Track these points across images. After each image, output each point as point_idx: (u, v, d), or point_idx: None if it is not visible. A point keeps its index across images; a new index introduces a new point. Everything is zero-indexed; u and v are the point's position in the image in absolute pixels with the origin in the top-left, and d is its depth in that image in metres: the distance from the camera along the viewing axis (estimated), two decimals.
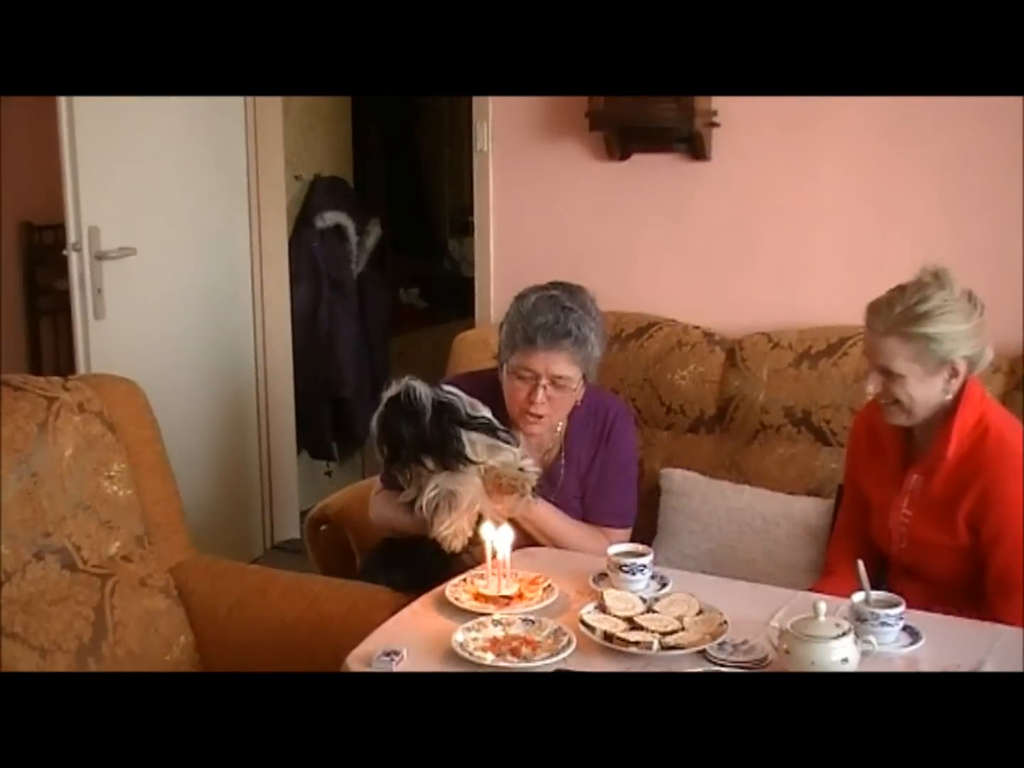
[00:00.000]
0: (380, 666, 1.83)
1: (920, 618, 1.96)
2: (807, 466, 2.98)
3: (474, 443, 2.29)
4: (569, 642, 1.88)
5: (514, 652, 1.86)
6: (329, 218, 4.50)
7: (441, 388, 2.37)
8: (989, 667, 1.80)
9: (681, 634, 1.90)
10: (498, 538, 2.13)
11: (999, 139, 2.95)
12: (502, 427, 2.36)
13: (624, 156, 3.42)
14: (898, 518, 2.28)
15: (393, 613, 2.07)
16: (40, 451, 2.25)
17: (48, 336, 4.74)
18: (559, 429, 2.58)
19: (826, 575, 2.44)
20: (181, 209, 3.81)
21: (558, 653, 1.85)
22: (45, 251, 4.54)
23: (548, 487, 2.49)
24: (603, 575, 2.16)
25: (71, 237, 3.37)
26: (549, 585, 2.10)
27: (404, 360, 5.15)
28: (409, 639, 1.93)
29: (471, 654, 1.84)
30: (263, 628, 2.38)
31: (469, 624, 1.94)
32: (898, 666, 1.84)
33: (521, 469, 2.32)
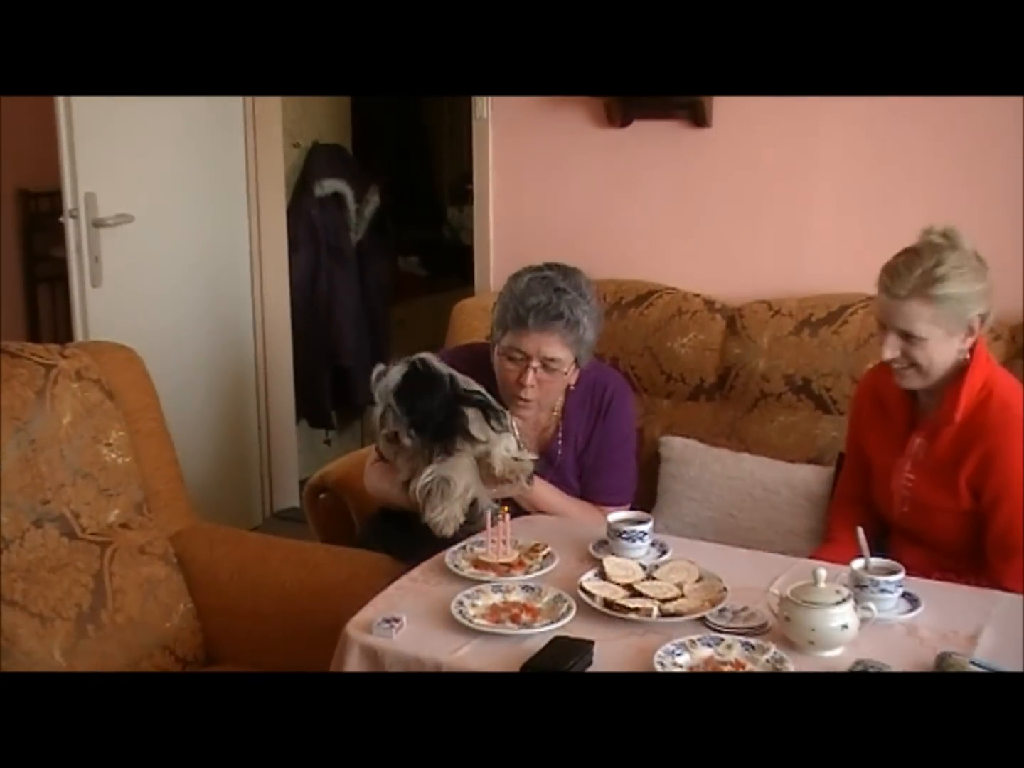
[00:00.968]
0: (380, 632, 1.83)
1: (919, 585, 1.97)
2: (807, 434, 2.97)
3: (474, 422, 2.26)
4: (569, 609, 1.88)
5: (514, 619, 1.87)
6: (328, 186, 4.48)
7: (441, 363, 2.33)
8: (987, 633, 1.81)
9: (681, 601, 1.91)
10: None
11: (1001, 104, 2.93)
12: (499, 407, 2.31)
13: (625, 123, 3.39)
14: (901, 481, 2.28)
15: (393, 580, 2.07)
16: (38, 418, 2.24)
17: (46, 303, 4.73)
18: (556, 407, 2.56)
19: (826, 542, 2.44)
20: (179, 176, 3.79)
21: (558, 620, 1.85)
22: (42, 218, 4.52)
23: (545, 465, 2.48)
24: (603, 542, 2.16)
25: (68, 204, 3.35)
26: (549, 552, 2.10)
27: (404, 328, 5.14)
28: (409, 606, 1.94)
29: (471, 621, 1.85)
30: (263, 595, 2.39)
31: (469, 591, 1.95)
32: (897, 632, 1.84)
33: (517, 459, 2.29)
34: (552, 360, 2.39)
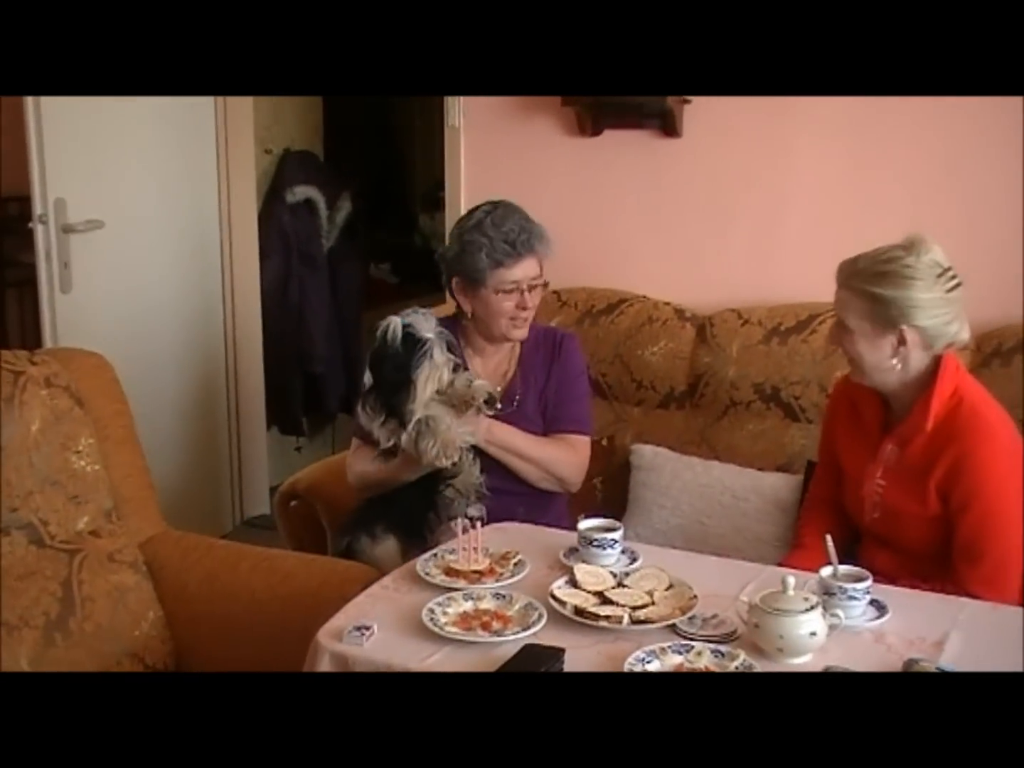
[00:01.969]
0: (351, 640, 1.83)
1: (887, 592, 1.98)
2: (776, 442, 3.00)
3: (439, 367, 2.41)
4: (540, 616, 1.88)
5: (485, 626, 1.87)
6: (299, 192, 4.47)
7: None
8: (954, 639, 1.83)
9: (651, 608, 1.91)
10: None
11: (974, 116, 2.97)
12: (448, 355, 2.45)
13: (596, 132, 3.41)
14: (872, 487, 2.31)
15: (364, 587, 2.08)
16: (6, 425, 2.22)
17: (14, 309, 4.70)
18: (514, 353, 2.72)
19: (795, 549, 2.46)
20: (149, 182, 3.78)
21: (529, 627, 1.86)
22: (11, 222, 4.48)
23: (508, 405, 2.62)
24: (574, 550, 2.16)
25: (37, 209, 3.34)
26: (520, 560, 2.11)
27: (375, 335, 5.12)
28: (380, 613, 1.94)
29: (442, 628, 1.85)
30: (234, 603, 2.37)
31: (440, 599, 1.95)
32: (865, 639, 1.85)
33: (471, 385, 2.45)
34: (536, 278, 2.60)
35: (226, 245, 4.18)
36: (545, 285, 2.66)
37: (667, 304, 3.22)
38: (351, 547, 2.48)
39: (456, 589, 2.00)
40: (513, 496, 2.57)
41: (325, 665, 1.83)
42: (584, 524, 2.17)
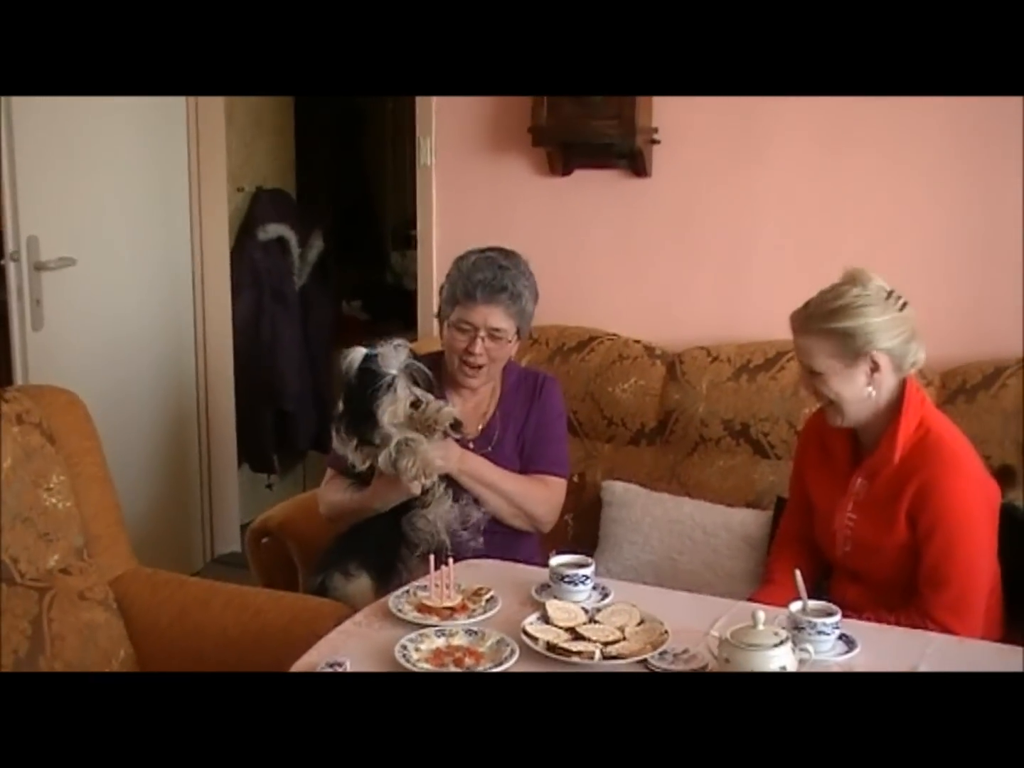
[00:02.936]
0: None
1: (856, 627, 2.01)
2: (746, 478, 3.02)
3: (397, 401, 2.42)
4: (512, 652, 1.89)
5: (457, 662, 1.87)
6: (272, 230, 4.48)
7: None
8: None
9: (623, 644, 1.92)
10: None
11: (934, 159, 3.03)
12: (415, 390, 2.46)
13: (566, 172, 3.45)
14: (843, 521, 2.33)
15: (336, 624, 2.08)
16: None
17: None
18: (495, 393, 2.74)
19: (765, 584, 2.48)
20: (122, 219, 3.78)
21: (501, 663, 1.86)
22: None
23: (486, 445, 2.66)
24: (546, 586, 2.17)
25: (9, 247, 3.33)
26: (492, 596, 2.12)
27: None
28: (352, 650, 1.93)
29: (414, 665, 1.85)
30: (205, 640, 2.36)
31: (412, 635, 1.95)
32: None
33: (439, 410, 2.46)
34: (497, 330, 2.59)
35: (198, 282, 4.18)
36: (517, 342, 2.68)
37: (637, 342, 3.25)
38: (324, 585, 2.47)
39: (428, 625, 2.00)
40: (485, 534, 2.57)
41: None
42: (556, 560, 2.18)
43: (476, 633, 1.98)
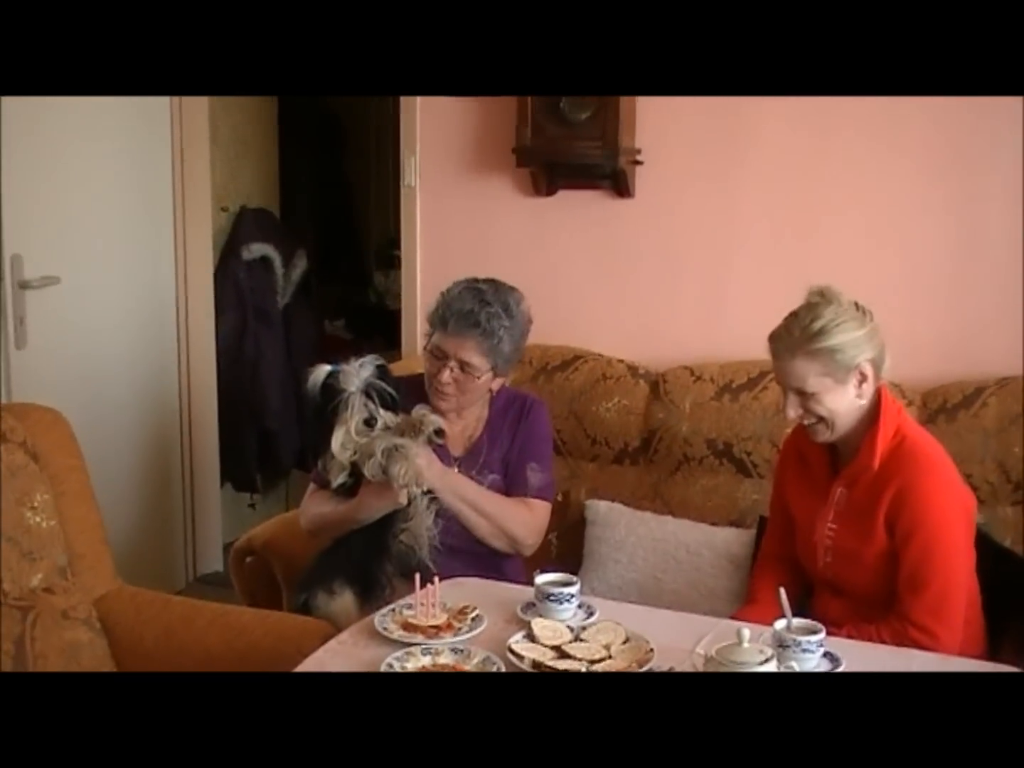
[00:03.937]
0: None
1: (840, 644, 2.02)
2: (729, 497, 3.04)
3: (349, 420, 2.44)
4: (498, 670, 1.90)
5: None
6: (256, 249, 4.49)
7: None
8: None
9: (608, 662, 1.93)
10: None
11: (915, 177, 3.07)
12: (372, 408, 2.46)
13: (550, 192, 3.48)
14: (824, 532, 2.35)
15: (322, 643, 2.07)
16: None
17: None
18: (482, 416, 2.74)
19: (749, 603, 2.49)
20: (106, 238, 3.78)
21: None
22: None
23: (471, 465, 2.67)
24: (531, 604, 2.18)
25: None
26: (477, 614, 2.12)
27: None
28: (338, 668, 1.94)
29: None
30: (189, 659, 2.35)
31: (398, 653, 1.95)
32: None
33: (422, 414, 2.49)
34: (467, 364, 2.58)
35: (182, 301, 4.18)
36: (495, 379, 2.65)
37: (620, 361, 3.27)
38: (308, 603, 2.47)
39: (414, 644, 2.00)
40: (468, 554, 2.59)
41: None
42: (540, 579, 2.19)
43: (462, 651, 1.98)
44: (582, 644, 1.99)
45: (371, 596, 2.43)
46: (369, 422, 2.42)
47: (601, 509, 3.07)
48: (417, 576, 2.16)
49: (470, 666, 1.93)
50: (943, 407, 2.88)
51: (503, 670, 1.89)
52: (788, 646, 1.92)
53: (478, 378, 2.60)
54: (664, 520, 3.01)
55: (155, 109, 3.94)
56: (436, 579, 2.15)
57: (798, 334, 2.27)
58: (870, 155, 3.10)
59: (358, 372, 2.44)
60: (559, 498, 3.08)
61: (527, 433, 2.74)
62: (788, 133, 3.15)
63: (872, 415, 2.29)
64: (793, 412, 2.30)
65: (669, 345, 3.33)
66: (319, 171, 5.76)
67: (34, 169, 3.36)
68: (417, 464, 2.41)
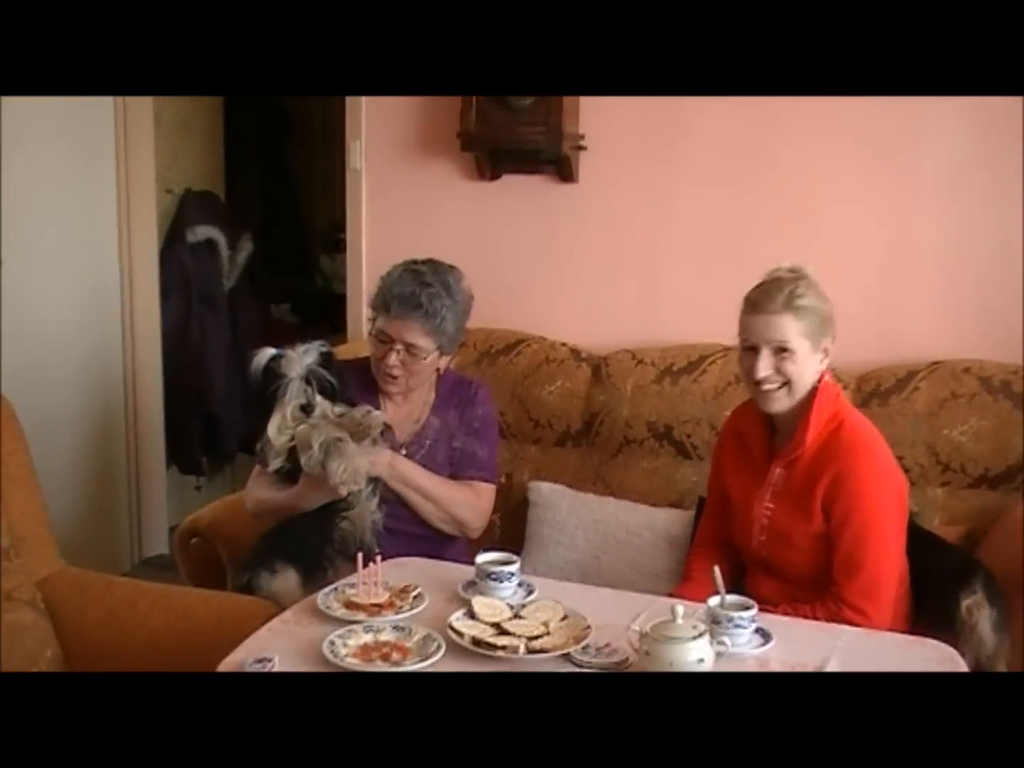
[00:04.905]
0: (252, 672, 1.85)
1: (771, 620, 2.07)
2: (669, 479, 3.09)
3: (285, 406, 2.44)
4: (438, 647, 1.92)
5: (384, 657, 1.90)
6: (201, 232, 4.47)
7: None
8: (833, 664, 1.92)
9: (546, 638, 1.97)
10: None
11: (852, 160, 3.12)
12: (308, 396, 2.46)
13: (494, 177, 3.50)
14: (761, 511, 2.40)
15: (265, 622, 2.09)
16: None
17: None
18: (428, 400, 2.76)
19: (685, 581, 2.54)
20: (48, 221, 3.75)
21: (427, 658, 1.89)
22: None
23: (417, 449, 2.70)
24: (472, 583, 2.21)
25: None
26: (419, 593, 2.15)
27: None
28: (281, 647, 1.95)
29: (342, 660, 1.88)
30: (133, 640, 2.37)
31: (340, 631, 1.98)
32: (750, 666, 1.93)
33: (367, 413, 2.47)
34: (413, 346, 2.61)
35: (126, 284, 4.16)
36: (441, 358, 2.68)
37: (563, 345, 3.31)
38: (251, 583, 2.48)
39: (356, 622, 2.03)
40: (413, 538, 2.61)
41: None
42: (481, 558, 2.22)
43: (403, 629, 2.01)
44: (521, 621, 2.03)
45: (314, 576, 2.44)
46: (306, 408, 2.43)
47: (544, 491, 3.11)
48: (359, 555, 2.18)
49: (411, 643, 1.96)
50: (876, 391, 2.94)
51: (443, 647, 1.92)
52: (721, 622, 1.97)
53: (424, 359, 2.63)
54: (605, 502, 3.05)
55: None
56: (379, 559, 2.18)
57: (787, 292, 2.30)
58: (807, 145, 3.15)
59: (301, 358, 2.45)
60: (502, 480, 3.11)
61: (472, 417, 2.77)
62: (730, 120, 3.19)
63: (810, 396, 2.34)
64: (764, 371, 2.31)
65: (611, 329, 3.37)
66: (264, 155, 5.74)
67: None
68: (356, 463, 2.41)
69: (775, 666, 1.92)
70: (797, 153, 3.16)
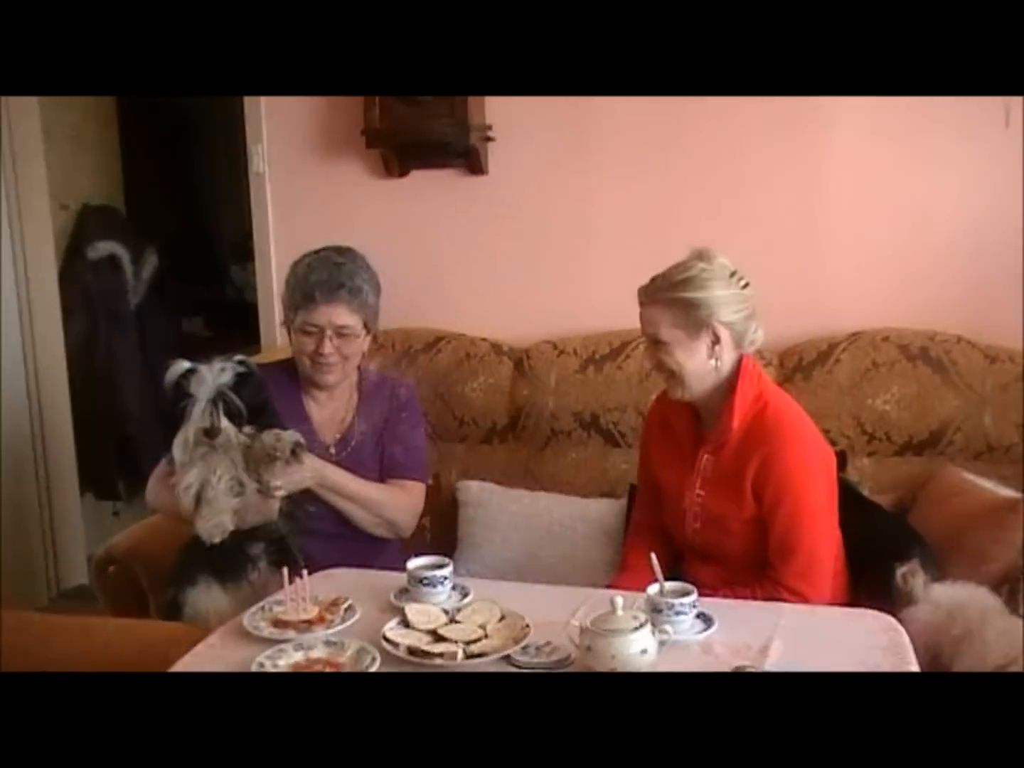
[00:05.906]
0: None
1: (712, 605, 2.04)
2: (599, 468, 3.06)
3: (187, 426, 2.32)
4: (373, 660, 1.86)
5: None
6: (102, 248, 4.35)
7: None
8: (776, 644, 1.89)
9: (485, 642, 1.91)
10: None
11: (766, 142, 3.11)
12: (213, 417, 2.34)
13: (403, 173, 3.43)
14: (692, 498, 2.38)
15: (189, 648, 2.00)
16: None
17: None
18: (352, 399, 2.73)
19: (622, 571, 2.50)
20: None
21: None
22: None
23: (343, 449, 2.67)
24: (404, 590, 2.15)
25: None
26: (350, 605, 2.08)
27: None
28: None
29: None
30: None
31: (269, 652, 1.90)
32: (694, 652, 1.89)
33: (277, 438, 2.33)
34: (344, 327, 2.60)
35: (25, 306, 4.01)
36: (367, 336, 2.67)
37: (484, 340, 3.25)
38: (176, 599, 2.39)
39: (286, 640, 1.95)
40: (343, 541, 2.55)
41: None
42: (412, 563, 2.16)
43: (336, 643, 1.94)
44: (458, 626, 1.97)
45: (238, 583, 2.37)
46: (209, 432, 2.29)
47: (473, 490, 3.06)
48: (285, 570, 2.10)
49: (344, 658, 1.89)
50: (799, 365, 2.94)
51: (378, 660, 1.86)
52: (662, 610, 1.93)
53: (357, 338, 2.63)
54: (536, 496, 3.01)
55: None
56: (305, 572, 2.10)
57: (660, 283, 2.30)
58: (719, 123, 3.13)
59: (214, 377, 2.32)
60: (429, 481, 3.05)
61: (399, 415, 2.73)
62: (640, 103, 3.16)
63: (733, 381, 2.31)
64: (649, 362, 2.34)
65: (531, 320, 3.33)
66: (165, 165, 5.59)
67: None
68: (222, 519, 2.28)
69: (719, 650, 1.90)
70: (710, 133, 3.14)
